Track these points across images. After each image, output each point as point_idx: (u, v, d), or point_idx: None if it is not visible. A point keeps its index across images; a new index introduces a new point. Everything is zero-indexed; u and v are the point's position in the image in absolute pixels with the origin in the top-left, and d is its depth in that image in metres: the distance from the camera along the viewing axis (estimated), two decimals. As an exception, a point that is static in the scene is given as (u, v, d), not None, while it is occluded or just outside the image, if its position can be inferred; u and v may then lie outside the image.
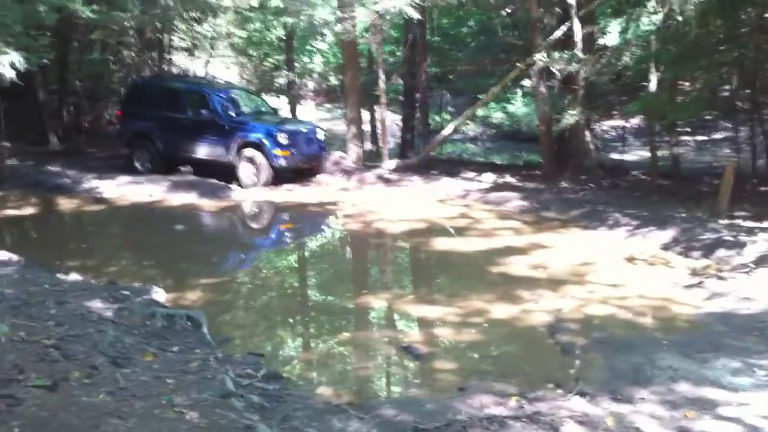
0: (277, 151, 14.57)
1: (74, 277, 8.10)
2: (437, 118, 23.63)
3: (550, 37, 14.41)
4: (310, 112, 27.42)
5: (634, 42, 12.52)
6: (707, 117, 19.97)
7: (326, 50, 29.09)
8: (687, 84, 16.97)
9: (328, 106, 29.85)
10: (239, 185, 14.64)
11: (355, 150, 16.51)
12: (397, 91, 23.62)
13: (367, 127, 20.09)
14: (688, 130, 20.31)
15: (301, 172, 15.37)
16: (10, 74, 11.51)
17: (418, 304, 8.43)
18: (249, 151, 14.68)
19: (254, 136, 14.70)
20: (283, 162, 14.69)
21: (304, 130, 15.64)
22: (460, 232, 11.60)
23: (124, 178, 14.66)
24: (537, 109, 16.99)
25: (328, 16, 15.77)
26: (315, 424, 4.92)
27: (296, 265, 10.98)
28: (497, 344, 7.15)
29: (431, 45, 22.34)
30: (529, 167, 17.28)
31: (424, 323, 7.82)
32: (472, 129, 26.59)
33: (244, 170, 14.70)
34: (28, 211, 13.02)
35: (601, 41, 12.77)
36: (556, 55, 13.48)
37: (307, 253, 11.62)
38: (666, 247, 10.23)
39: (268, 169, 14.58)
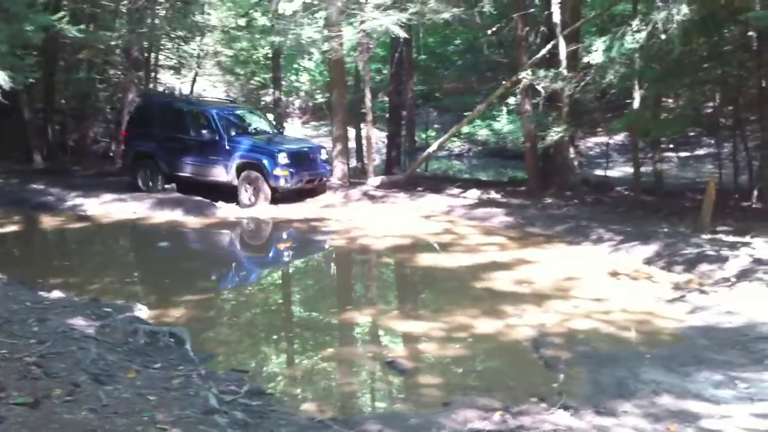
0: (277, 171, 14.31)
1: (57, 294, 8.05)
2: (423, 136, 23.74)
3: (536, 56, 14.52)
4: (296, 129, 27.47)
5: (619, 60, 12.61)
6: (690, 133, 20.21)
7: (313, 68, 29.25)
8: (670, 101, 17.15)
9: (314, 123, 29.95)
10: (238, 205, 14.55)
11: (340, 167, 16.56)
12: (384, 109, 23.76)
13: (353, 144, 20.14)
14: (672, 146, 20.42)
15: (302, 192, 15.20)
16: (-4, 93, 11.50)
17: (403, 320, 8.43)
18: (248, 172, 14.53)
19: (253, 157, 14.52)
20: (282, 183, 14.43)
21: (306, 150, 15.36)
22: (445, 247, 11.63)
23: (108, 196, 14.62)
24: (522, 127, 17.10)
25: (314, 34, 15.85)
26: (298, 439, 4.91)
27: (281, 282, 10.96)
28: (481, 359, 7.16)
29: (418, 63, 22.51)
30: (514, 183, 17.36)
31: (409, 338, 7.81)
32: (457, 146, 26.72)
33: (243, 191, 14.55)
34: (11, 228, 12.96)
35: (585, 59, 12.86)
36: (542, 73, 13.57)
37: (291, 269, 11.61)
38: (649, 262, 10.29)
39: (267, 190, 14.36)
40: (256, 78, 26.67)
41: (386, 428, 5.18)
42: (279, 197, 14.61)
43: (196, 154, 15.08)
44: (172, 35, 19.56)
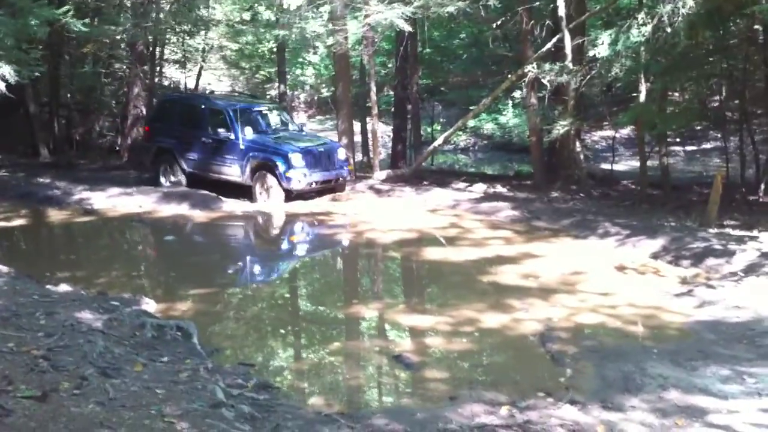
0: (290, 173, 13.95)
1: (64, 288, 8.06)
2: (429, 129, 23.71)
3: (541, 49, 14.48)
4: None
5: (624, 53, 12.56)
6: (697, 127, 20.12)
7: (318, 62, 29.19)
8: (677, 94, 17.11)
9: (320, 117, 29.95)
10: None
11: (346, 161, 16.53)
12: (389, 103, 23.74)
13: (358, 138, 20.12)
14: (678, 140, 20.45)
15: (321, 190, 14.83)
16: (1, 87, 11.51)
17: (409, 314, 8.43)
18: (261, 173, 14.27)
19: (267, 157, 14.22)
20: (295, 184, 14.03)
21: (322, 150, 14.82)
22: (451, 242, 11.62)
23: (114, 190, 14.62)
24: (528, 120, 17.07)
25: (319, 28, 15.82)
26: (305, 433, 4.91)
27: (287, 275, 10.97)
28: (488, 353, 7.17)
29: (423, 57, 22.45)
30: (520, 177, 17.33)
31: (415, 333, 7.82)
32: (463, 140, 26.69)
33: (257, 192, 14.34)
34: (18, 222, 12.98)
35: (591, 53, 12.82)
36: (547, 66, 13.52)
37: (298, 263, 11.61)
38: (656, 256, 10.27)
39: (280, 192, 14.07)
40: (261, 72, 26.68)
41: (393, 422, 5.18)
42: (295, 195, 14.29)
43: (213, 153, 14.93)
44: (177, 29, 19.56)
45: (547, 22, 14.97)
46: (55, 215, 13.51)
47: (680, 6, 11.08)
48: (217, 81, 26.98)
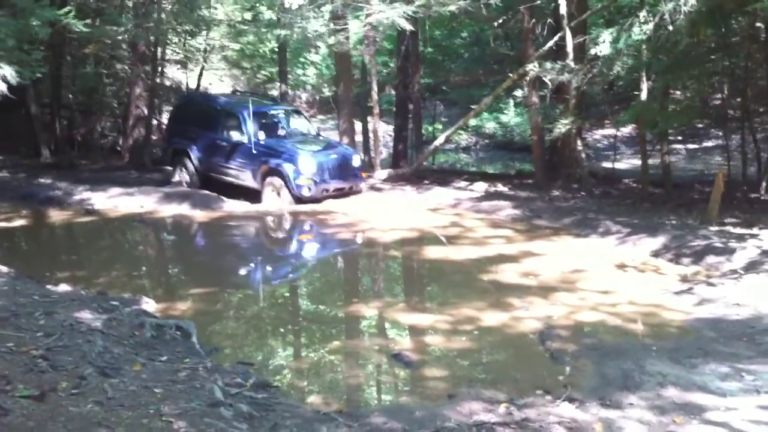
0: (300, 180, 13.71)
1: (64, 288, 8.08)
2: (430, 129, 23.71)
3: (543, 48, 14.47)
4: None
5: (626, 51, 12.57)
6: (699, 125, 20.10)
7: (319, 62, 29.21)
8: (678, 93, 17.08)
9: (321, 117, 29.92)
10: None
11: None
12: (391, 102, 23.74)
13: (359, 137, 20.12)
14: (680, 138, 20.42)
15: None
16: (3, 88, 11.51)
17: (409, 313, 8.43)
18: (271, 179, 14.03)
19: (277, 163, 13.94)
20: (305, 192, 13.77)
21: (335, 157, 14.46)
22: (452, 240, 11.62)
23: (115, 190, 14.63)
24: (529, 119, 17.08)
25: (321, 28, 15.79)
26: (303, 432, 4.92)
27: (287, 275, 10.97)
28: (487, 351, 7.17)
29: (424, 56, 22.45)
30: (521, 176, 17.33)
31: (415, 331, 7.82)
32: (464, 139, 26.69)
33: (268, 198, 14.12)
34: (19, 223, 12.98)
35: (592, 51, 12.80)
36: (548, 65, 13.53)
37: (298, 262, 11.61)
38: (656, 254, 10.27)
39: (290, 200, 13.83)
40: (263, 72, 26.67)
41: (391, 421, 5.19)
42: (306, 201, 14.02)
43: (227, 156, 14.72)
44: (178, 29, 19.53)
45: (549, 20, 14.98)
46: (56, 216, 13.53)
47: (682, 4, 11.07)
48: (218, 81, 26.96)
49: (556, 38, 14.20)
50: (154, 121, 19.85)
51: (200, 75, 21.82)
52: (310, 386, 6.40)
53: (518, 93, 22.99)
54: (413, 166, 17.30)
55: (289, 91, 22.43)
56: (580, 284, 9.08)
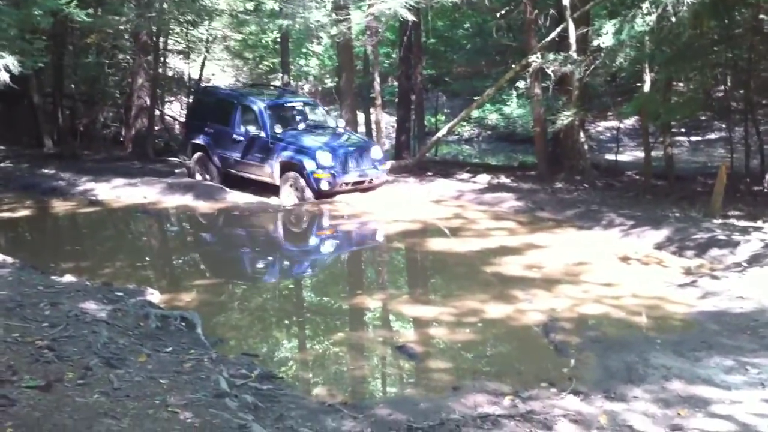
0: (318, 174, 13.32)
1: (69, 278, 8.10)
2: (433, 120, 23.67)
3: (545, 39, 14.42)
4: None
5: (629, 43, 12.51)
6: (701, 117, 20.06)
7: (321, 53, 29.13)
8: (681, 84, 17.02)
9: (323, 108, 29.84)
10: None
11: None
12: (393, 93, 23.68)
13: (362, 129, 20.10)
14: (683, 130, 20.39)
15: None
16: (5, 78, 11.51)
17: (413, 305, 8.45)
18: (289, 174, 13.67)
19: (294, 156, 13.59)
20: (324, 186, 13.37)
21: (354, 149, 14.13)
22: (455, 232, 11.62)
23: (119, 180, 14.65)
24: (532, 111, 17.02)
25: (323, 18, 15.75)
26: (309, 423, 4.93)
27: (291, 266, 10.99)
28: (491, 344, 7.18)
29: (427, 47, 22.40)
30: (524, 168, 17.30)
31: (419, 323, 7.83)
32: (467, 130, 26.63)
33: (285, 193, 13.76)
34: (23, 213, 13.02)
35: (595, 42, 12.76)
36: (551, 56, 13.49)
37: (302, 254, 11.63)
38: (660, 247, 10.26)
39: (308, 194, 13.45)
40: (265, 62, 26.60)
41: (396, 412, 5.20)
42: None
43: (244, 151, 14.37)
44: (180, 19, 19.48)
45: (551, 11, 14.90)
46: (59, 206, 13.55)
47: (685, -5, 11.03)
48: (221, 71, 26.91)
49: (558, 29, 14.16)
50: (157, 112, 19.81)
51: (202, 65, 21.78)
52: (315, 378, 6.42)
53: (521, 84, 22.88)
54: (416, 158, 17.27)
55: (292, 82, 22.35)
56: (583, 276, 9.08)
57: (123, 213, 13.36)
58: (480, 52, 23.23)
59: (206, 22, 20.46)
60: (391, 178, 15.36)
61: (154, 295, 7.95)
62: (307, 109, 15.61)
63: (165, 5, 17.27)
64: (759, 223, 10.52)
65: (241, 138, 14.39)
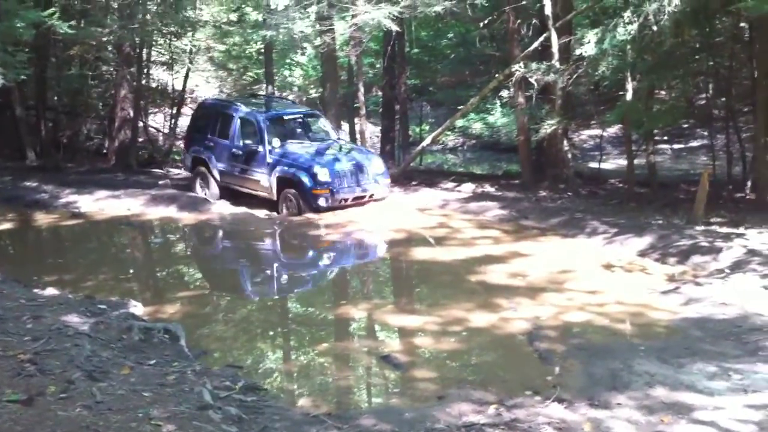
0: (316, 191, 12.86)
1: (51, 291, 8.05)
2: (417, 130, 23.72)
3: (528, 49, 14.50)
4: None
5: (611, 52, 12.60)
6: (684, 125, 20.20)
7: (306, 63, 29.17)
8: (663, 93, 17.15)
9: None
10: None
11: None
12: (377, 103, 23.75)
13: (347, 139, 20.10)
14: (665, 138, 20.50)
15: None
16: (-13, 89, 11.48)
17: (398, 314, 8.45)
18: (288, 190, 13.22)
19: (292, 173, 13.10)
20: (322, 202, 12.90)
21: (355, 163, 13.51)
22: (440, 241, 11.63)
23: (102, 192, 14.54)
24: (516, 120, 17.10)
25: (307, 29, 15.78)
26: (293, 434, 4.92)
27: (275, 277, 10.96)
28: (476, 353, 7.19)
29: (410, 57, 22.48)
30: (508, 177, 17.35)
31: (404, 333, 7.83)
32: (451, 140, 26.68)
33: (283, 209, 13.34)
34: (5, 226, 12.93)
35: (578, 51, 12.84)
36: (534, 65, 13.55)
37: (286, 264, 11.60)
38: (643, 254, 10.30)
39: (306, 211, 13.04)
40: (249, 73, 26.59)
41: (381, 422, 5.20)
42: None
43: (243, 164, 13.93)
44: (163, 31, 19.44)
45: (534, 21, 15.01)
46: (42, 218, 13.45)
47: (666, 4, 11.11)
48: (205, 83, 26.89)
49: (541, 39, 14.23)
50: (140, 123, 19.74)
51: (186, 76, 21.71)
52: (299, 389, 6.41)
53: (504, 93, 22.98)
54: (401, 167, 17.29)
55: (276, 93, 22.37)
56: (567, 284, 9.11)
57: (106, 225, 13.28)
58: (464, 62, 23.32)
59: (190, 33, 20.42)
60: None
61: (137, 308, 7.89)
62: (308, 121, 15.16)
63: (148, 17, 17.26)
64: (741, 230, 10.59)
65: (240, 152, 14.01)
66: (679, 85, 15.42)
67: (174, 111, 20.96)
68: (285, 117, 14.63)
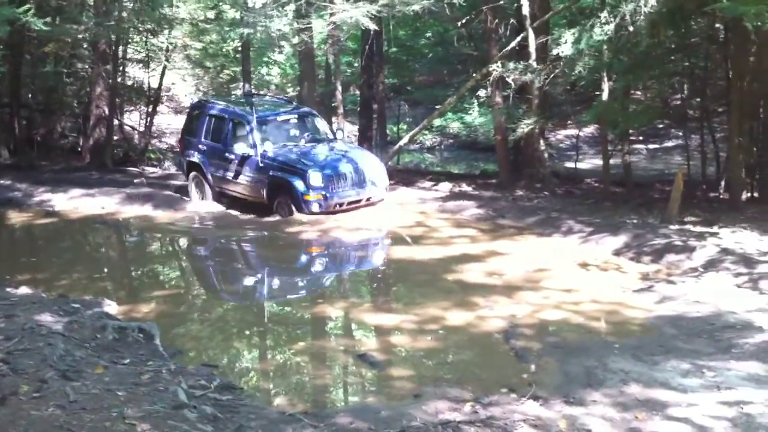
0: (309, 196, 12.42)
1: (24, 291, 7.98)
2: (395, 129, 23.72)
3: (506, 48, 14.54)
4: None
5: (587, 52, 12.68)
6: (659, 125, 20.36)
7: (283, 62, 29.09)
8: (639, 93, 17.30)
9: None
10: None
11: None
12: (355, 102, 23.72)
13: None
14: (641, 138, 20.66)
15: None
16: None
17: (375, 313, 8.46)
18: (281, 196, 12.84)
19: (285, 178, 12.65)
20: (314, 208, 12.47)
21: (350, 165, 13.02)
22: (417, 240, 11.63)
23: (76, 191, 14.42)
24: (493, 119, 17.15)
25: (284, 27, 15.71)
26: (268, 433, 4.90)
27: (251, 276, 10.93)
28: (453, 351, 7.21)
29: (389, 56, 22.47)
30: (486, 176, 17.40)
31: (381, 331, 7.84)
32: (429, 139, 26.70)
33: (278, 215, 12.94)
34: (-22, 225, 12.80)
35: (555, 51, 12.89)
36: (511, 65, 13.59)
37: (261, 263, 11.54)
38: (618, 253, 10.37)
39: (298, 217, 12.60)
40: (226, 71, 26.46)
41: (357, 421, 5.20)
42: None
43: (236, 169, 13.39)
44: (140, 28, 19.32)
45: (512, 20, 15.06)
46: (15, 217, 13.32)
47: (642, 5, 11.19)
48: (181, 80, 26.72)
49: (519, 38, 14.29)
50: (116, 121, 19.59)
51: (162, 74, 21.57)
52: (275, 387, 6.40)
53: (482, 93, 23.03)
54: (378, 166, 17.27)
55: (253, 91, 22.25)
56: (543, 283, 9.15)
57: (80, 224, 13.16)
58: (441, 61, 23.37)
59: (166, 31, 20.30)
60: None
61: (111, 307, 7.84)
62: (303, 122, 14.42)
63: (124, 14, 17.14)
64: (715, 229, 10.69)
65: (232, 155, 13.40)
66: (654, 85, 15.57)
67: (150, 109, 20.80)
68: (278, 118, 14.02)
